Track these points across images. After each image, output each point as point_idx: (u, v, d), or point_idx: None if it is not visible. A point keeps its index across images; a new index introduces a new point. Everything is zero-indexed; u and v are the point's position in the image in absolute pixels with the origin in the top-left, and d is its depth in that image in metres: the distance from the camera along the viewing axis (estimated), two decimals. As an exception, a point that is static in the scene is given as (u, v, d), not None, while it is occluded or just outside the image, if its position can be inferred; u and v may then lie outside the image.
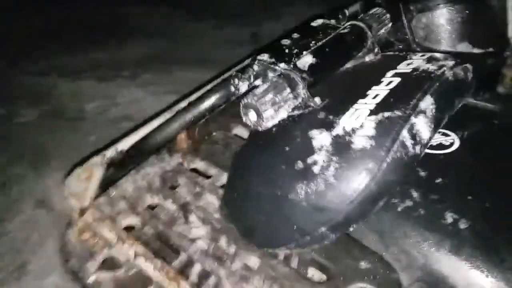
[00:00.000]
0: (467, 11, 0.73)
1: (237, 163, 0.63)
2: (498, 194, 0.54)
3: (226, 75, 0.65)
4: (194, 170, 0.78)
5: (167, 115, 0.62)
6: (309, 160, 0.50)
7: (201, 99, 0.60)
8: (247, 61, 0.63)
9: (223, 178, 0.74)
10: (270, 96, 0.52)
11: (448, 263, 0.50)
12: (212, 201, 0.69)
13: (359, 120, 0.50)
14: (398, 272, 0.53)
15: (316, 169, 0.50)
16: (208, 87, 0.62)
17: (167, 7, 2.48)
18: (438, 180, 0.56)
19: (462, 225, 0.51)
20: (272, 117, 0.53)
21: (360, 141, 0.48)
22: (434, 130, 0.51)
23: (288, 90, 0.53)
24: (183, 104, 0.61)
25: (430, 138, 0.51)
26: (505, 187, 0.55)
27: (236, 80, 0.58)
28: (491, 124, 0.66)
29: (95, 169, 0.62)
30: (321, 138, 0.51)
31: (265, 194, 0.54)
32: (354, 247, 0.57)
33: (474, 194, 0.54)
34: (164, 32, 2.21)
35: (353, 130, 0.50)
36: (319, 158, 0.50)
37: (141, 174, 0.75)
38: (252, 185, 0.56)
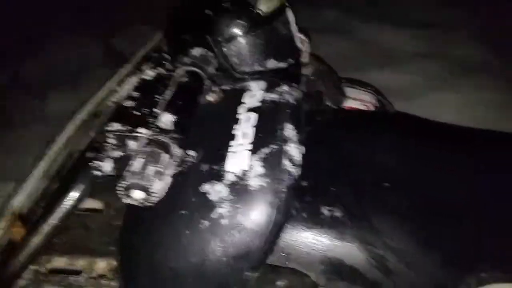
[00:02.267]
0: (265, 35, 0.84)
1: (128, 244, 0.56)
2: (348, 178, 0.65)
3: (69, 163, 0.56)
4: (57, 271, 0.64)
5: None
6: (214, 215, 0.50)
7: (58, 200, 0.50)
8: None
9: (100, 265, 0.64)
10: (152, 168, 0.48)
11: (340, 249, 0.58)
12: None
13: (244, 162, 0.53)
14: (308, 274, 0.59)
15: (224, 221, 0.50)
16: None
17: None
18: (304, 184, 0.64)
19: (337, 213, 0.60)
20: (161, 188, 0.49)
21: (255, 182, 0.51)
22: (302, 148, 0.58)
23: (166, 155, 0.50)
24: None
25: (302, 155, 0.58)
26: (353, 168, 0.67)
27: (98, 162, 0.51)
28: (315, 120, 0.79)
29: None
30: (217, 191, 0.51)
31: (179, 267, 0.51)
32: (265, 271, 0.59)
33: (333, 184, 0.64)
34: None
35: (245, 174, 0.52)
36: (223, 210, 0.50)
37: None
38: (160, 264, 0.52)
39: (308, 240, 0.59)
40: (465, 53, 2.21)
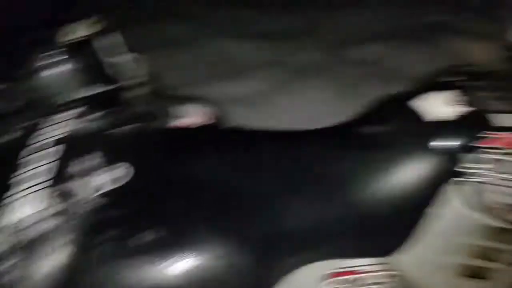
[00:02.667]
0: (75, 63, 0.81)
1: None
2: (173, 195, 0.67)
3: None
4: None
5: None
6: None
7: None
8: None
9: None
10: None
11: (165, 269, 0.57)
12: None
13: (34, 206, 0.49)
14: None
15: (8, 277, 0.46)
16: None
17: None
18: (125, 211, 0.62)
19: (161, 233, 0.59)
20: None
21: (47, 224, 0.48)
22: (113, 174, 0.57)
23: None
24: None
25: (108, 181, 0.56)
26: (178, 185, 0.68)
27: None
28: (143, 142, 0.78)
29: None
30: None
31: None
32: None
33: (158, 205, 0.64)
34: None
35: (33, 219, 0.48)
36: (7, 265, 0.47)
37: None
38: None
39: (137, 268, 0.56)
40: (303, 59, 2.48)
